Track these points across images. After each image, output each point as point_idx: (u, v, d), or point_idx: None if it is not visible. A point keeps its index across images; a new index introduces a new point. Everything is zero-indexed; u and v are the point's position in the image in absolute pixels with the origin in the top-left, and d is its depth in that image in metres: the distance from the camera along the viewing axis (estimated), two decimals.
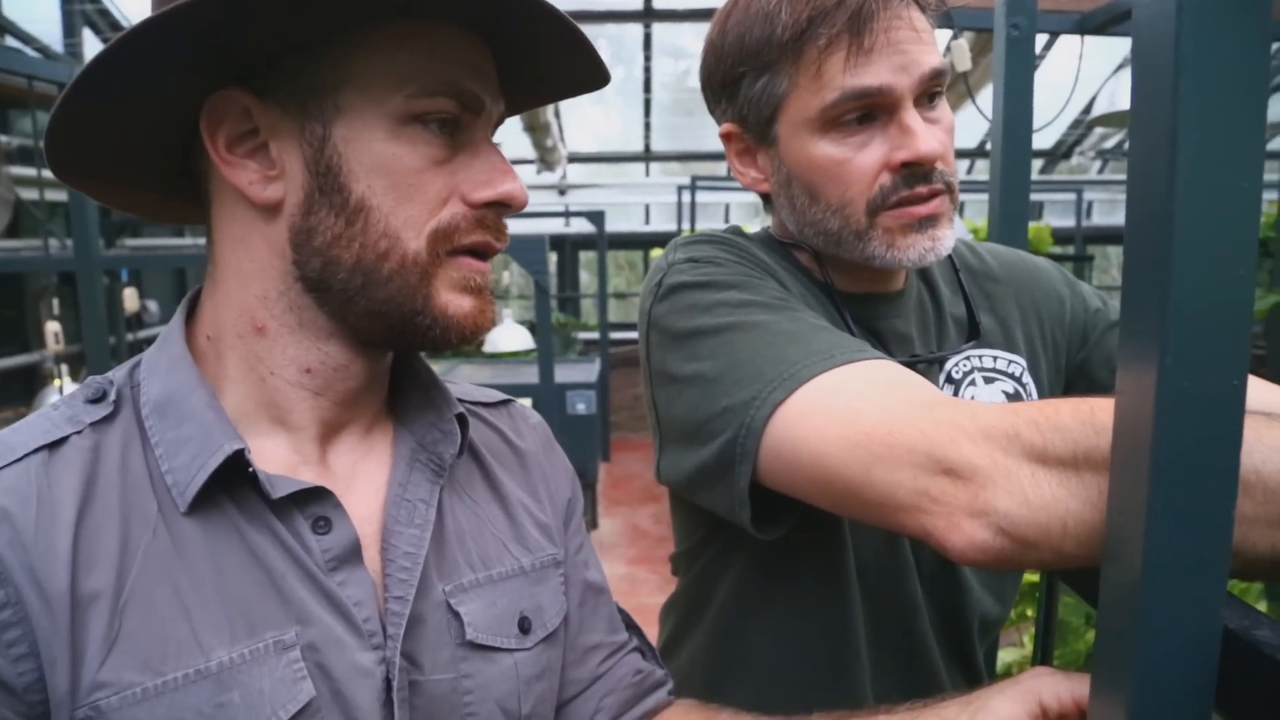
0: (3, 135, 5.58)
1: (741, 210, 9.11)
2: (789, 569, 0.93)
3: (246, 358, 0.66)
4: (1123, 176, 9.30)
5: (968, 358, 0.98)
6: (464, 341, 0.67)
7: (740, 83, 0.90)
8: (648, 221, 9.72)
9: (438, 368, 0.82)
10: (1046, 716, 0.62)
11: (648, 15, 7.24)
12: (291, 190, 0.63)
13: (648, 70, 8.04)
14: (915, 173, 0.85)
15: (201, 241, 0.71)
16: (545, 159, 8.50)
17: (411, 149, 0.63)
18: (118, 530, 0.58)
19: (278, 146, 0.63)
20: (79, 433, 0.61)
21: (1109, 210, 9.65)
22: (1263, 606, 1.81)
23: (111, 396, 0.64)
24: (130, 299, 4.55)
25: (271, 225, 0.64)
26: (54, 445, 0.60)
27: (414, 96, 0.62)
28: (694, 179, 7.32)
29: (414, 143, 0.63)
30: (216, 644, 0.58)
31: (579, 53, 0.67)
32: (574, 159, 9.32)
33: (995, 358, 0.99)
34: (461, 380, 0.87)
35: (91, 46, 6.10)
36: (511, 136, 7.56)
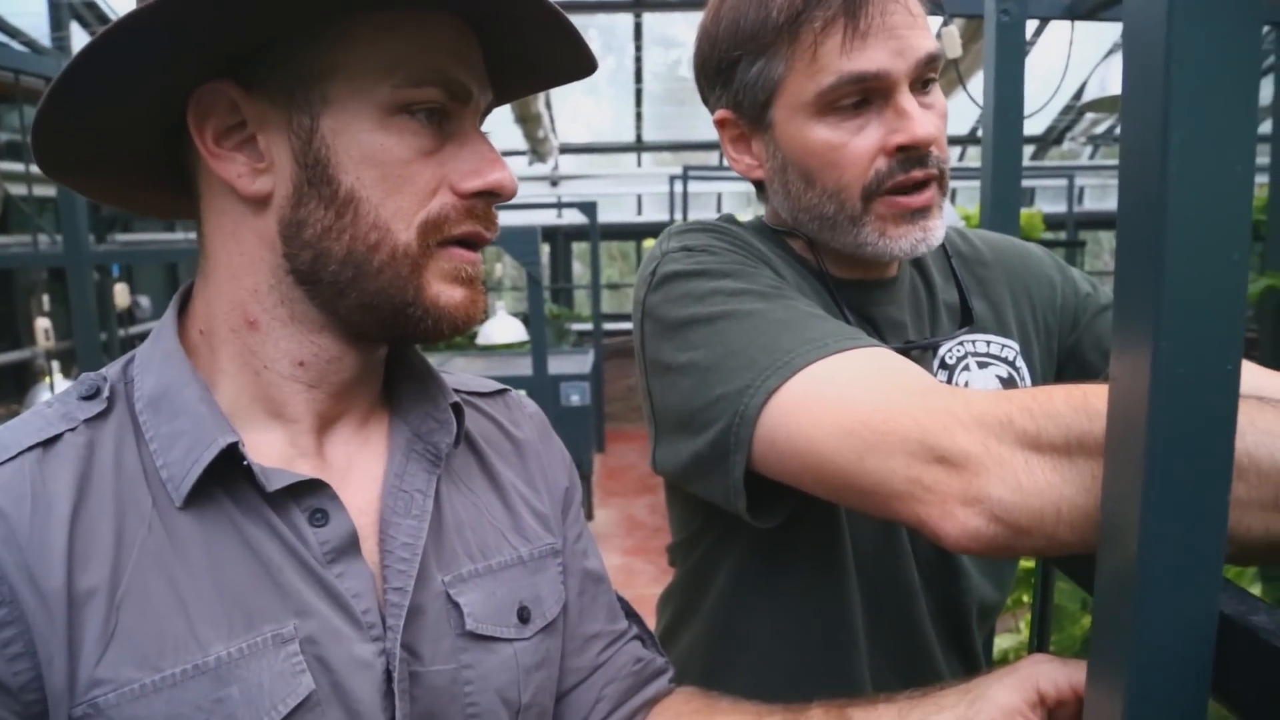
0: None
1: (734, 200, 9.11)
2: (786, 557, 0.93)
3: (240, 352, 0.66)
4: (1114, 162, 9.32)
5: (961, 343, 0.99)
6: (455, 333, 0.67)
7: (735, 67, 0.90)
8: (640, 212, 9.70)
9: (431, 360, 0.82)
10: (1045, 704, 0.62)
11: (638, 5, 7.22)
12: (280, 183, 0.63)
13: (639, 60, 8.01)
14: (911, 157, 0.85)
15: (193, 236, 0.70)
16: (537, 150, 8.47)
17: (400, 139, 0.62)
18: (113, 526, 0.58)
19: (266, 139, 0.62)
20: (73, 429, 0.61)
21: (1100, 196, 9.65)
22: (1257, 590, 1.82)
23: (105, 393, 0.64)
24: (121, 294, 4.53)
25: (261, 218, 0.64)
26: (48, 443, 0.60)
27: (401, 86, 0.62)
28: (686, 169, 7.32)
29: (402, 133, 0.63)
30: (214, 639, 0.58)
31: (566, 40, 0.67)
32: (566, 150, 9.29)
33: (989, 342, 1.00)
34: (455, 372, 0.87)
35: (79, 40, 6.05)
36: (502, 128, 7.53)
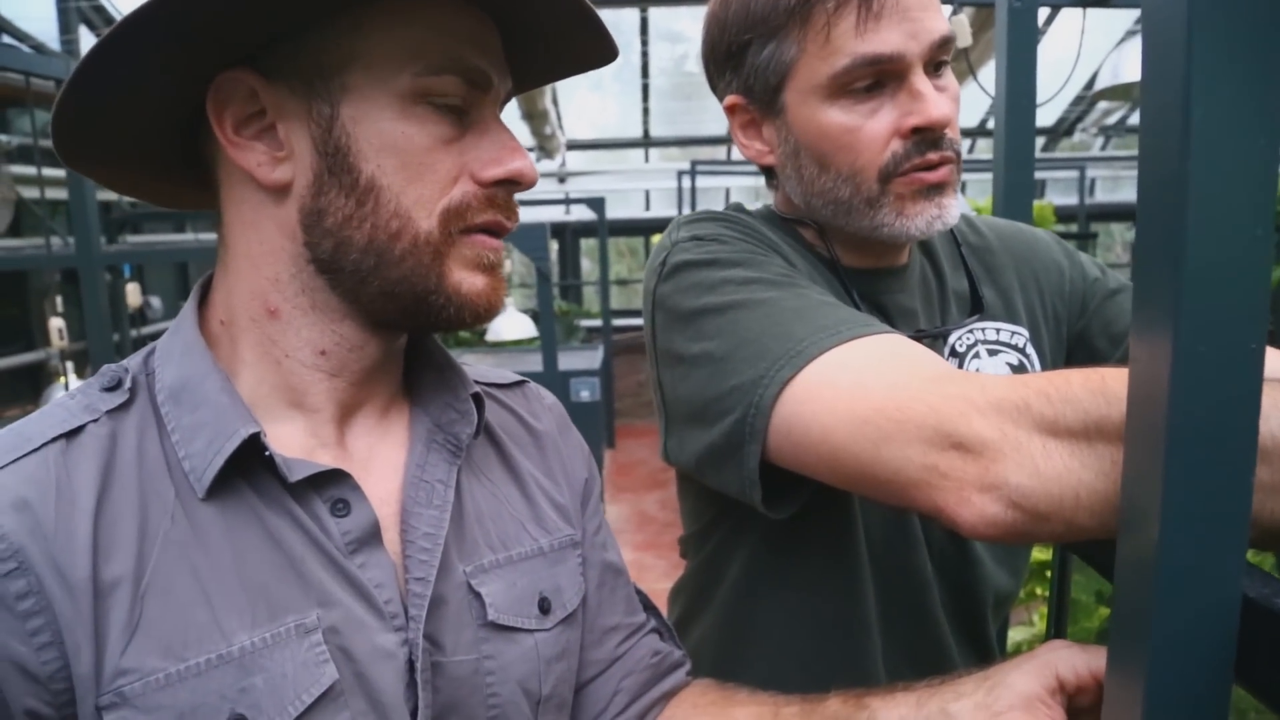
0: (2, 135, 5.57)
1: (742, 194, 9.09)
2: (799, 548, 0.93)
3: (261, 341, 0.66)
4: (1126, 153, 9.26)
5: (971, 331, 0.98)
6: (477, 321, 0.67)
7: (746, 51, 0.89)
8: (648, 207, 9.70)
9: None
10: (1064, 690, 0.62)
11: None
12: (300, 171, 0.63)
13: (645, 55, 8.00)
14: (926, 139, 0.84)
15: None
16: (544, 146, 8.48)
17: (420, 128, 0.62)
18: (136, 517, 0.58)
19: (285, 127, 0.62)
20: (95, 421, 0.61)
21: (1112, 187, 9.59)
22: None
23: (127, 384, 0.64)
24: (133, 295, 4.56)
25: (281, 207, 0.64)
26: (71, 434, 0.60)
27: (421, 74, 0.61)
28: (694, 164, 7.31)
29: (423, 121, 0.62)
30: (238, 628, 0.58)
31: (585, 26, 0.67)
32: (573, 146, 9.30)
33: (998, 330, 0.99)
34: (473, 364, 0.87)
35: (87, 43, 6.07)
36: (509, 124, 7.47)
